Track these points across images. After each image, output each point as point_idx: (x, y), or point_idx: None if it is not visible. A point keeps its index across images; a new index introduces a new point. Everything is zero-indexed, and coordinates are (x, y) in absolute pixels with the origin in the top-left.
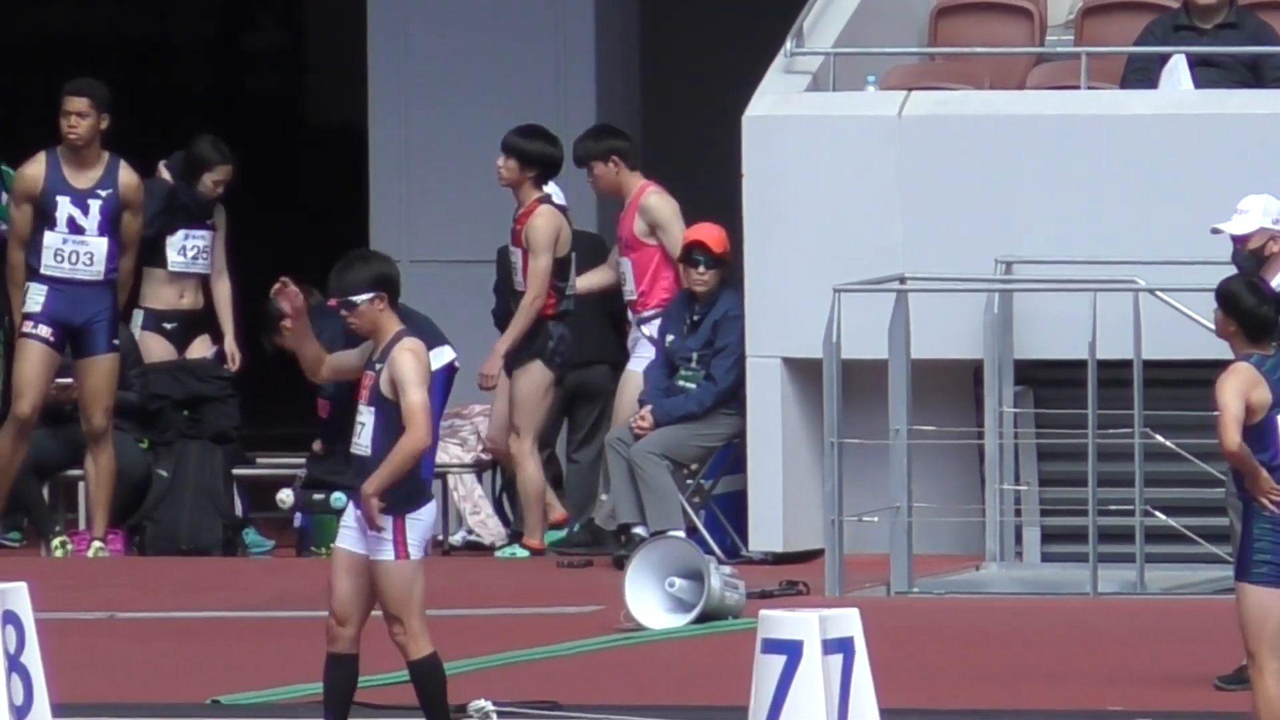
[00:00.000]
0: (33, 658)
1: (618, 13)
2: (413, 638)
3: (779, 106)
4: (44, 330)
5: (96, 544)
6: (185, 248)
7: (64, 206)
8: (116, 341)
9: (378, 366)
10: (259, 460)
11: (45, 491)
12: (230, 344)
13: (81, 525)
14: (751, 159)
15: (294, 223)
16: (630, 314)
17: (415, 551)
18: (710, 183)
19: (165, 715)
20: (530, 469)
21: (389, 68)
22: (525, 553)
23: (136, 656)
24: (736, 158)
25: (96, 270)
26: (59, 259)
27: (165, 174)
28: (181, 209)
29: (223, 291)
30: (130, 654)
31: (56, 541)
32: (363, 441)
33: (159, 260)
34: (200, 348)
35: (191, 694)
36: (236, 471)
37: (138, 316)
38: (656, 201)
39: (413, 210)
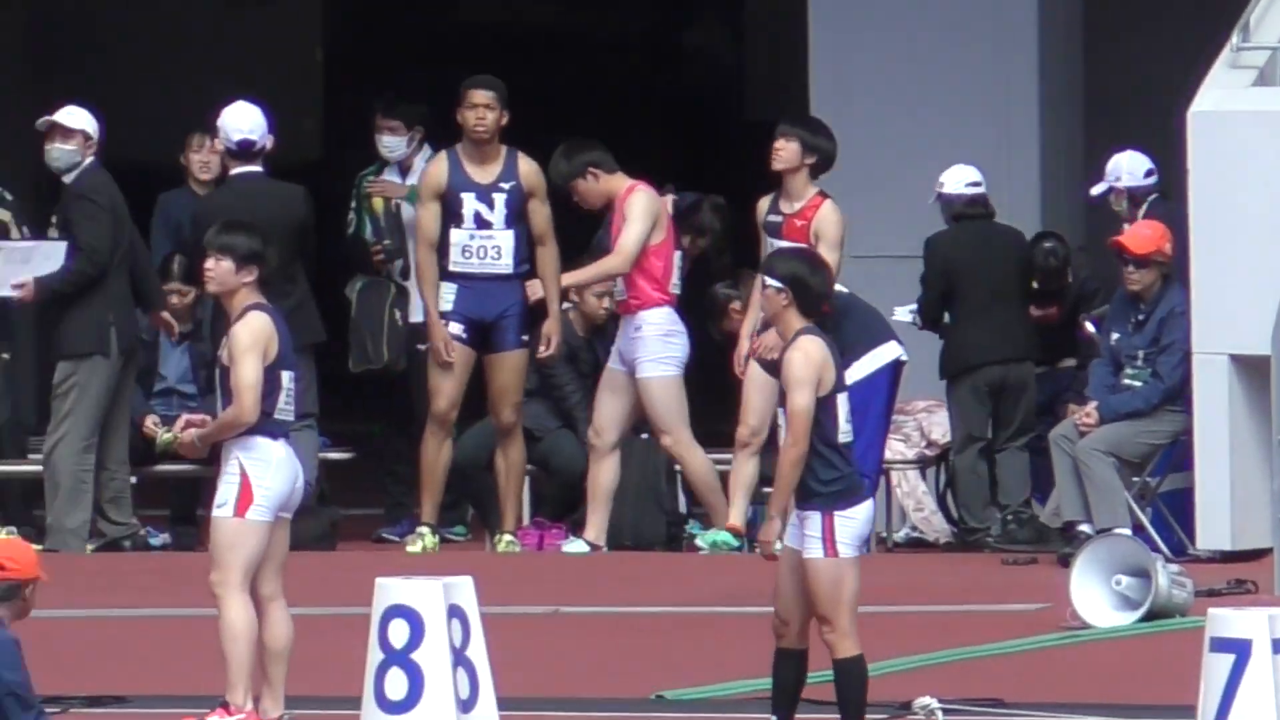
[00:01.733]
0: (478, 651)
1: (1061, 13)
2: (840, 636)
3: (1225, 102)
4: (455, 328)
5: (506, 538)
6: None
7: (469, 203)
8: (525, 337)
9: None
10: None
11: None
12: None
13: (525, 520)
14: (1197, 154)
15: (731, 219)
16: (623, 316)
17: (845, 550)
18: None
19: (610, 710)
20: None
21: (829, 66)
22: (730, 538)
23: (580, 651)
24: (1178, 155)
25: (505, 264)
26: (467, 255)
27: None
28: None
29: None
30: (574, 649)
31: (503, 536)
32: None
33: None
34: None
35: (636, 689)
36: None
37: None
38: (635, 198)
39: (851, 207)
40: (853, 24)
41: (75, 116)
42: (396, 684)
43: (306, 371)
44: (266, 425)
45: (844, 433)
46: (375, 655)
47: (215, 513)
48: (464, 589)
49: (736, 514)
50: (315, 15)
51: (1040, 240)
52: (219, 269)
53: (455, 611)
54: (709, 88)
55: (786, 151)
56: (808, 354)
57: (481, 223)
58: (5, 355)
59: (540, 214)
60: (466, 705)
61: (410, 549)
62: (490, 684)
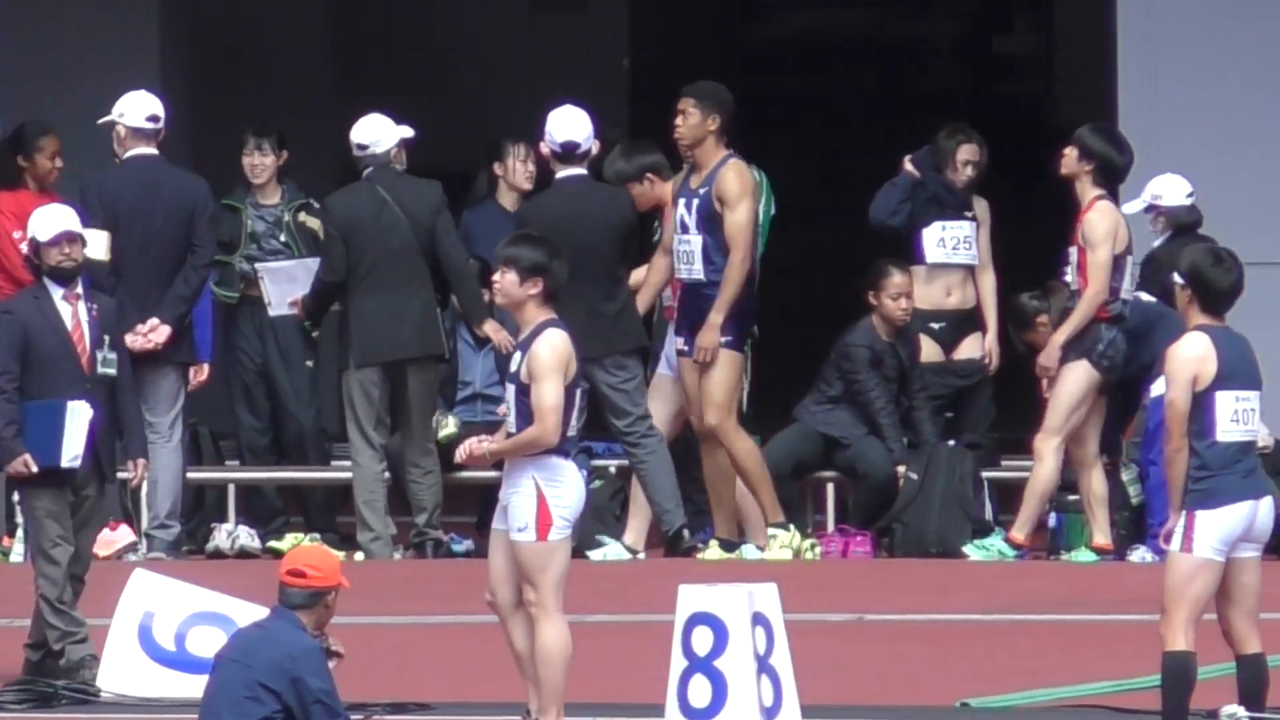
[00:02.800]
0: (782, 658)
1: None
2: (1169, 629)
3: None
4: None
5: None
6: (944, 239)
7: (681, 208)
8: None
9: None
10: (1003, 463)
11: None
12: (991, 340)
13: (829, 527)
14: None
15: (1046, 223)
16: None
17: (1202, 549)
18: None
19: (913, 718)
20: (1048, 467)
21: (1137, 72)
22: (1008, 549)
23: (884, 659)
24: None
25: (698, 268)
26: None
27: (911, 168)
28: (932, 200)
29: (986, 285)
30: (878, 656)
31: (807, 543)
32: None
33: (915, 256)
34: (971, 347)
35: (939, 697)
36: (986, 474)
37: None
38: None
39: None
40: (1161, 27)
41: (373, 127)
42: (700, 691)
43: (635, 373)
44: (562, 445)
45: (1223, 431)
46: (679, 662)
47: (516, 536)
48: (768, 596)
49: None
50: (622, 24)
51: None
52: (504, 281)
53: (759, 619)
54: (1020, 93)
55: (1067, 158)
56: (1179, 352)
57: (684, 227)
58: (309, 363)
59: (728, 221)
60: (770, 713)
61: (704, 556)
62: (794, 691)
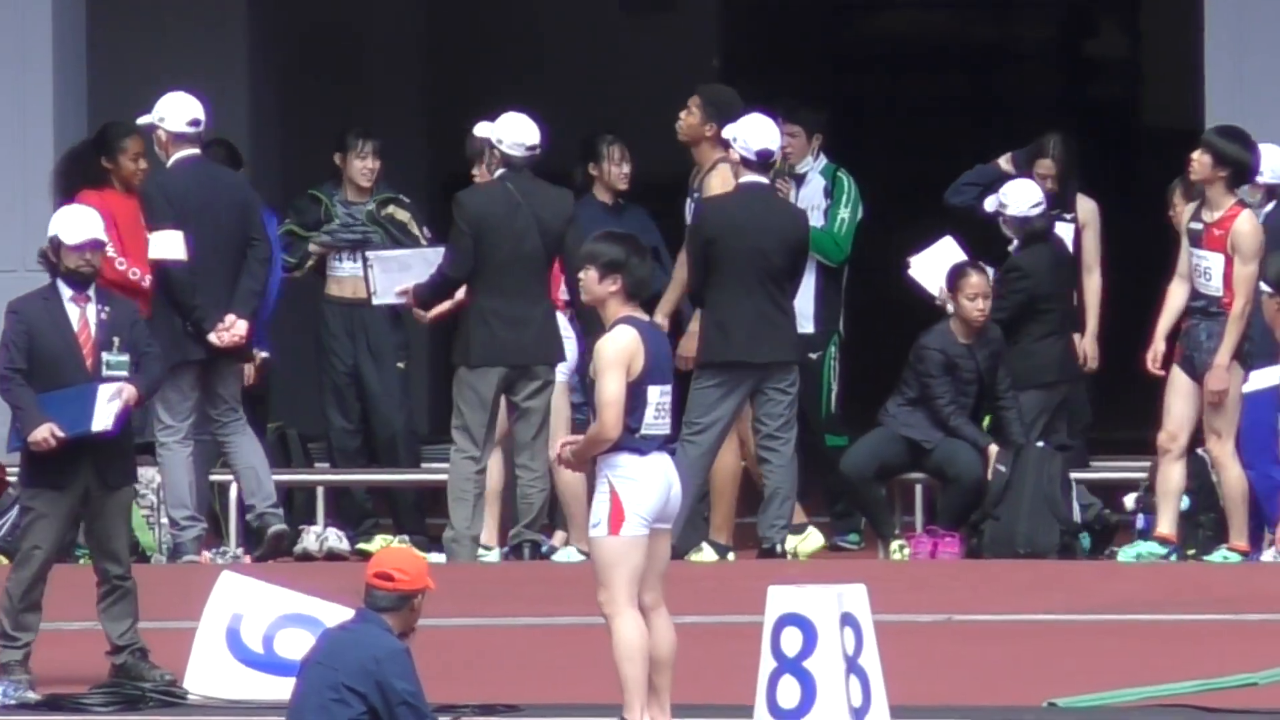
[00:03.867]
0: (871, 659)
1: None
2: None
3: None
4: None
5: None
6: None
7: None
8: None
9: None
10: (1094, 463)
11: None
12: (1089, 341)
13: (918, 528)
14: None
15: (1135, 225)
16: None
17: None
18: None
19: (1001, 718)
20: (1235, 471)
21: (1225, 71)
22: (1237, 556)
23: (973, 658)
24: None
25: None
26: None
27: (1005, 164)
28: None
29: (1091, 286)
30: (967, 656)
31: (895, 544)
32: None
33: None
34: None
35: (1028, 697)
36: (1076, 475)
37: None
38: None
39: None
40: (1250, 27)
41: (527, 127)
42: (789, 692)
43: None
44: (631, 442)
45: None
46: (768, 663)
47: (591, 533)
48: (857, 597)
49: (1166, 523)
50: (712, 23)
51: None
52: (586, 279)
53: (848, 619)
54: (1108, 95)
55: (1199, 164)
56: None
57: None
58: (401, 365)
59: None
60: (859, 713)
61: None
62: (883, 692)
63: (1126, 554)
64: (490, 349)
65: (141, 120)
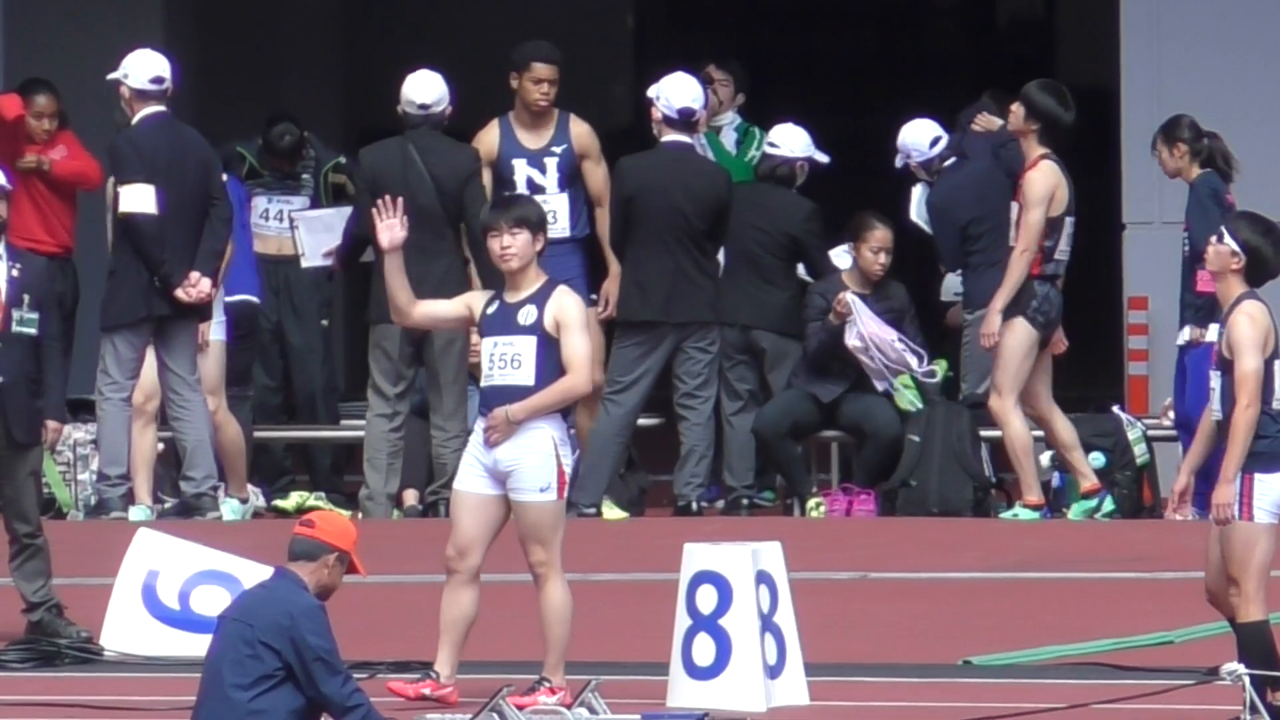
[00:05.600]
0: (786, 617)
1: None
2: (1245, 600)
3: None
4: None
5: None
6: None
7: (520, 169)
8: (594, 296)
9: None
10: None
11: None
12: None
13: (834, 485)
14: None
15: None
16: None
17: (1261, 515)
18: None
19: (917, 675)
20: (1015, 425)
21: (1140, 29)
22: (1030, 513)
23: (888, 616)
24: None
25: (561, 228)
26: None
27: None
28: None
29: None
30: (882, 614)
31: (812, 502)
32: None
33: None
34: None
35: (943, 654)
36: (985, 433)
37: None
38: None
39: (1150, 170)
40: None
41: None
42: (704, 650)
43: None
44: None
45: (1278, 399)
46: (683, 621)
47: (533, 497)
48: (772, 555)
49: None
50: None
51: None
52: (517, 242)
53: (763, 577)
54: (1021, 55)
55: (1014, 115)
56: (1253, 317)
57: (534, 188)
58: (325, 322)
59: (596, 175)
60: (774, 671)
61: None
62: (798, 650)
63: (1076, 512)
64: (386, 306)
65: (110, 76)
